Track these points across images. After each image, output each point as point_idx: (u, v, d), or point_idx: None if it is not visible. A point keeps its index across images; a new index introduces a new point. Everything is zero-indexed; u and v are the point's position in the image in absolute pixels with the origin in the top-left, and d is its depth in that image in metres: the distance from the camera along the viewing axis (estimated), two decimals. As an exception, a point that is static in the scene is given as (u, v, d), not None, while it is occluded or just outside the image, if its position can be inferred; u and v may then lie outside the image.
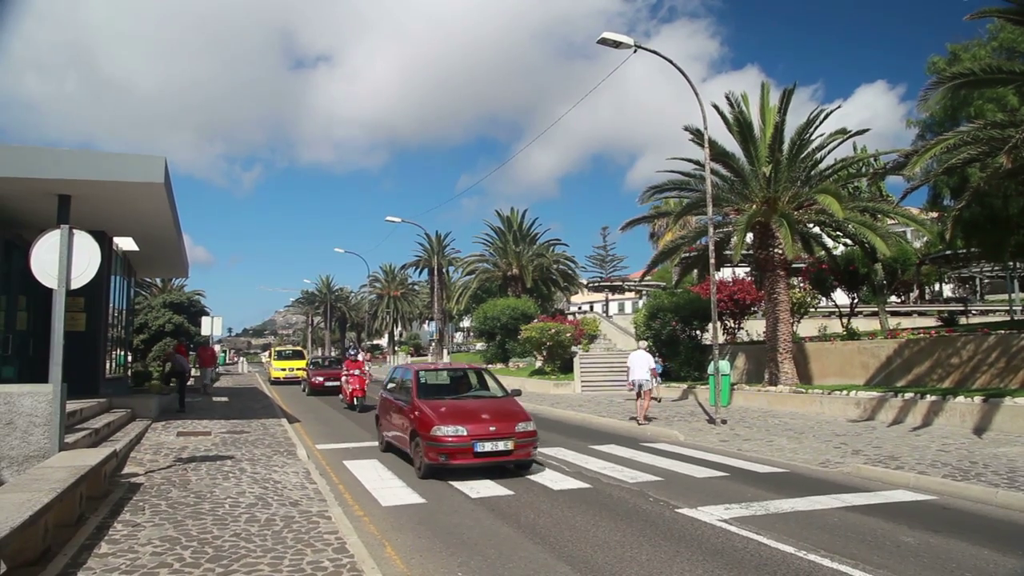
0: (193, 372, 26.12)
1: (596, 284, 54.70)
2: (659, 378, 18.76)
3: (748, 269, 29.92)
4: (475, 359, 45.17)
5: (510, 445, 9.65)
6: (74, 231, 8.87)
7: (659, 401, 19.58)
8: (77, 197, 10.81)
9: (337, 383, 25.60)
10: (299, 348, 46.91)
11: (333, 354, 69.20)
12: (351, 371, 19.97)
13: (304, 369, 31.67)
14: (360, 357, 23.51)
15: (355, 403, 19.30)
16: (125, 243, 16.26)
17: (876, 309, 26.48)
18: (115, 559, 5.68)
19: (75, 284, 8.86)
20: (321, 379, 26.84)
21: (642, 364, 15.71)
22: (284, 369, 34.87)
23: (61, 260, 8.70)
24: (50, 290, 8.88)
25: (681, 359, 23.86)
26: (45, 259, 8.69)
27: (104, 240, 13.99)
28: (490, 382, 12.10)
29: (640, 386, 15.48)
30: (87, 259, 8.85)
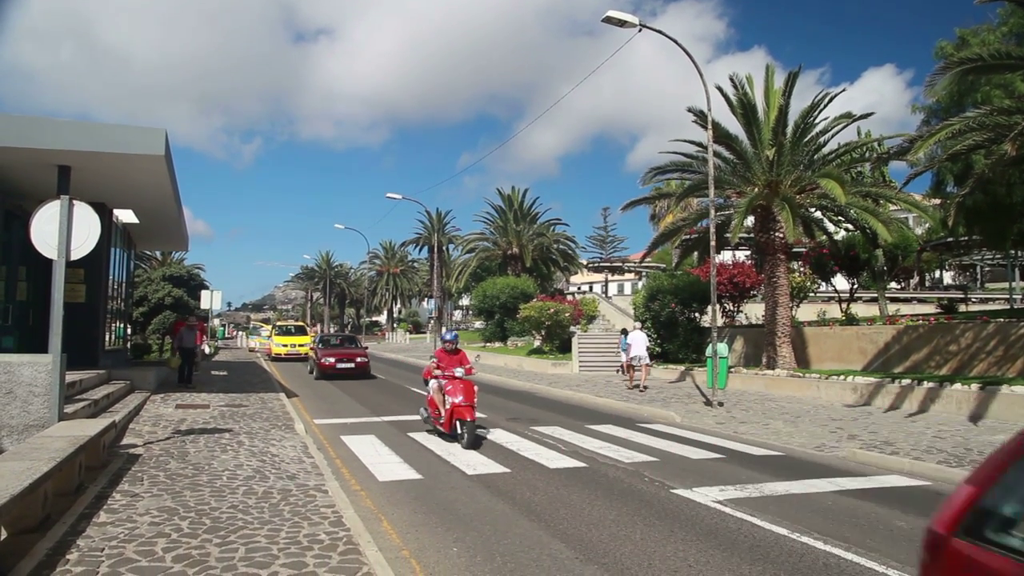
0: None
1: (596, 264, 54.79)
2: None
3: (748, 252, 29.92)
4: (473, 337, 45.25)
5: None
6: (74, 202, 8.84)
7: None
8: (77, 168, 10.79)
9: (351, 364, 23.02)
10: (301, 324, 46.88)
11: (333, 329, 69.28)
12: (448, 370, 10.95)
13: (310, 347, 28.19)
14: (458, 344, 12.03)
15: (459, 430, 10.44)
16: (125, 215, 16.23)
17: (876, 295, 26.50)
18: (114, 528, 5.73)
19: (75, 255, 8.84)
20: (332, 360, 23.04)
21: (641, 342, 19.11)
22: (286, 345, 34.63)
23: (61, 231, 8.68)
24: (50, 261, 8.87)
25: (679, 341, 23.90)
26: (45, 230, 8.67)
27: (104, 212, 13.95)
28: None
29: (641, 359, 18.87)
30: (87, 230, 8.83)
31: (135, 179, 12.77)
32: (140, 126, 11.27)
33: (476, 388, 10.94)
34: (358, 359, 23.36)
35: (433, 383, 11.30)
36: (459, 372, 10.89)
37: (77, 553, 5.12)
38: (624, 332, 23.04)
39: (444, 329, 24.24)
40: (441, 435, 11.01)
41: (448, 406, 10.65)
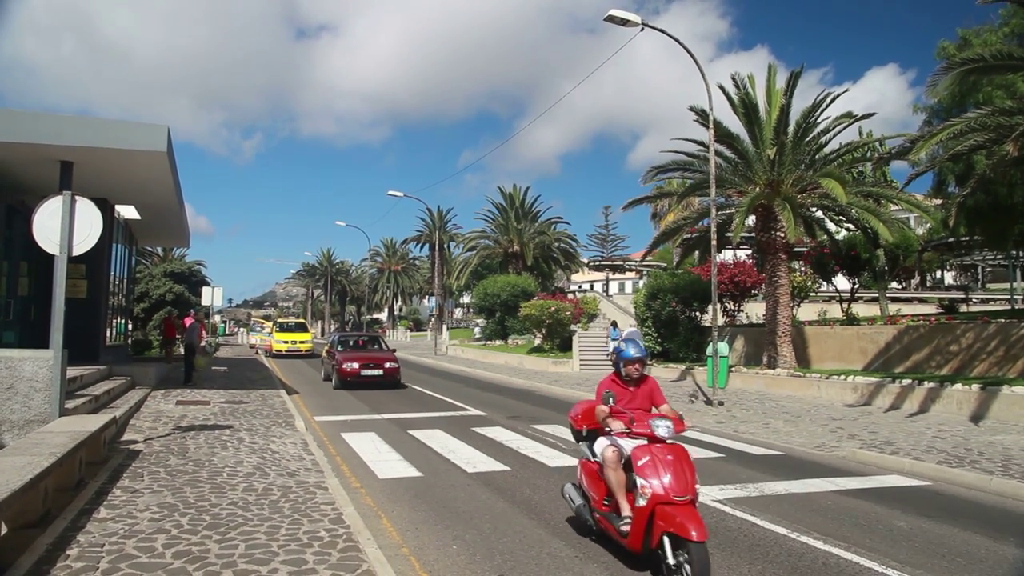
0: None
1: (597, 263, 54.71)
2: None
3: (749, 252, 29.92)
4: (472, 335, 45.27)
5: None
6: (76, 198, 8.84)
7: None
8: (79, 164, 10.80)
9: (379, 372, 18.86)
10: (302, 320, 46.97)
11: (333, 326, 69.09)
12: (638, 420, 5.36)
13: (326, 349, 22.89)
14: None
15: (669, 556, 4.64)
16: (127, 211, 16.24)
17: (876, 295, 26.52)
18: (114, 524, 5.73)
19: (77, 251, 8.84)
20: (356, 366, 18.71)
21: (636, 338, 20.41)
22: (287, 342, 34.78)
23: (63, 226, 8.68)
24: (52, 256, 8.88)
25: (680, 340, 23.89)
26: (47, 225, 8.68)
27: (106, 207, 13.97)
28: None
29: None
30: (89, 226, 8.83)
31: (137, 175, 12.79)
32: (143, 122, 11.28)
33: (688, 453, 5.48)
34: (386, 364, 19.22)
35: (604, 448, 5.54)
36: (662, 428, 5.30)
37: (77, 549, 5.13)
38: (613, 324, 25.21)
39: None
40: (602, 540, 5.74)
41: (645, 500, 4.95)
